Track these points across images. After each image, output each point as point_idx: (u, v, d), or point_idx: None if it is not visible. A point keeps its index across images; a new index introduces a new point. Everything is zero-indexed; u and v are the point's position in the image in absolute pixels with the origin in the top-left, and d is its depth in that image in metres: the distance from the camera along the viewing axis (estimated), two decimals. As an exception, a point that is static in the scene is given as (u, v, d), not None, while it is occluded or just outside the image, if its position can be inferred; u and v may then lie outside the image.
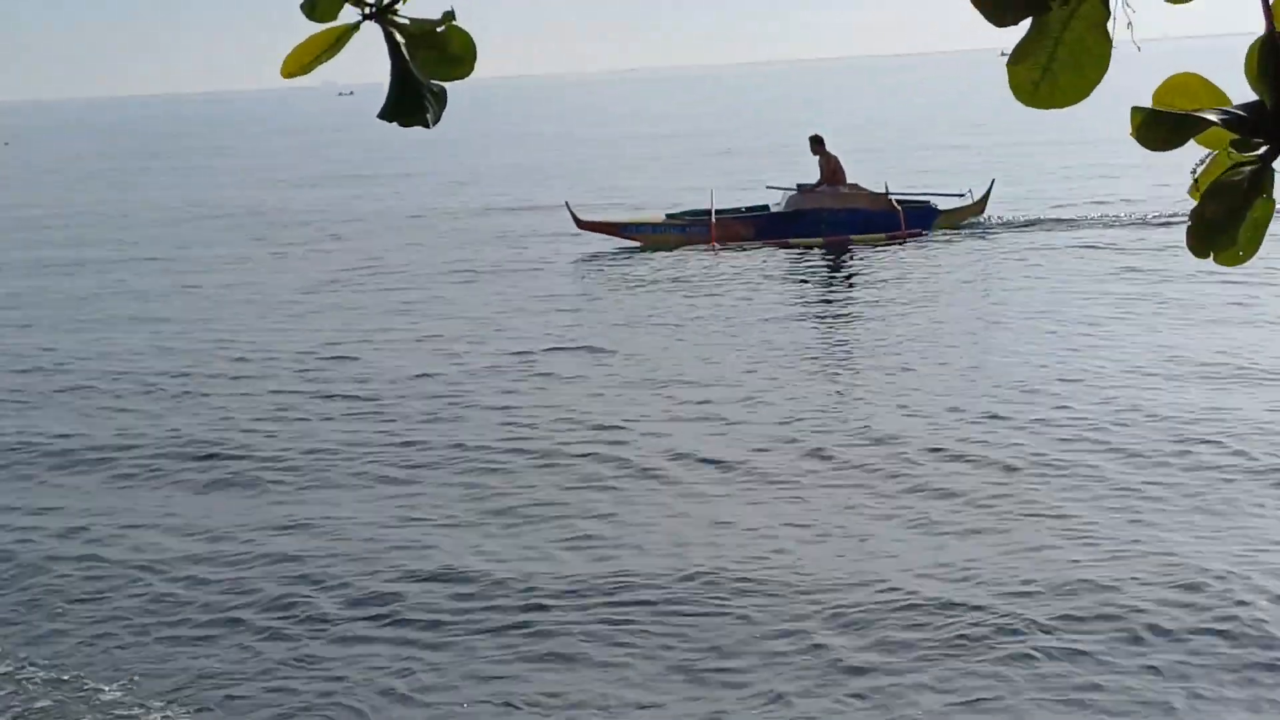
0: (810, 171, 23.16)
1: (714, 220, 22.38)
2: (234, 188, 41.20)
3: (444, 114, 1.92)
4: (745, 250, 21.89)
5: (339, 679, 7.16)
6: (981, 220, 23.29)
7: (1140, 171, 30.90)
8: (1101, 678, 6.75)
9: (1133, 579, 7.76)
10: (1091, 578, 7.81)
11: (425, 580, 8.31)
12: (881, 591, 7.76)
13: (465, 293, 19.55)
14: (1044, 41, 1.46)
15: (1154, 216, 23.00)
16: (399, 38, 1.85)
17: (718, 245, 22.05)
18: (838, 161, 22.77)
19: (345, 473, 10.65)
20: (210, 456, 11.17)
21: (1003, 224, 23.19)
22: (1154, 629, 7.20)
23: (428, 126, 1.92)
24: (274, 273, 22.23)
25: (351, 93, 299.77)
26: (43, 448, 11.76)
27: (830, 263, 20.86)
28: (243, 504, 10.09)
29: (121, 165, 58.60)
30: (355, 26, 1.84)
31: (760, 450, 10.76)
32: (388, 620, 7.80)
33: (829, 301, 17.92)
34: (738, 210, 23.29)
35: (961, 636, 7.15)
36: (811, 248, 21.81)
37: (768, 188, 24.35)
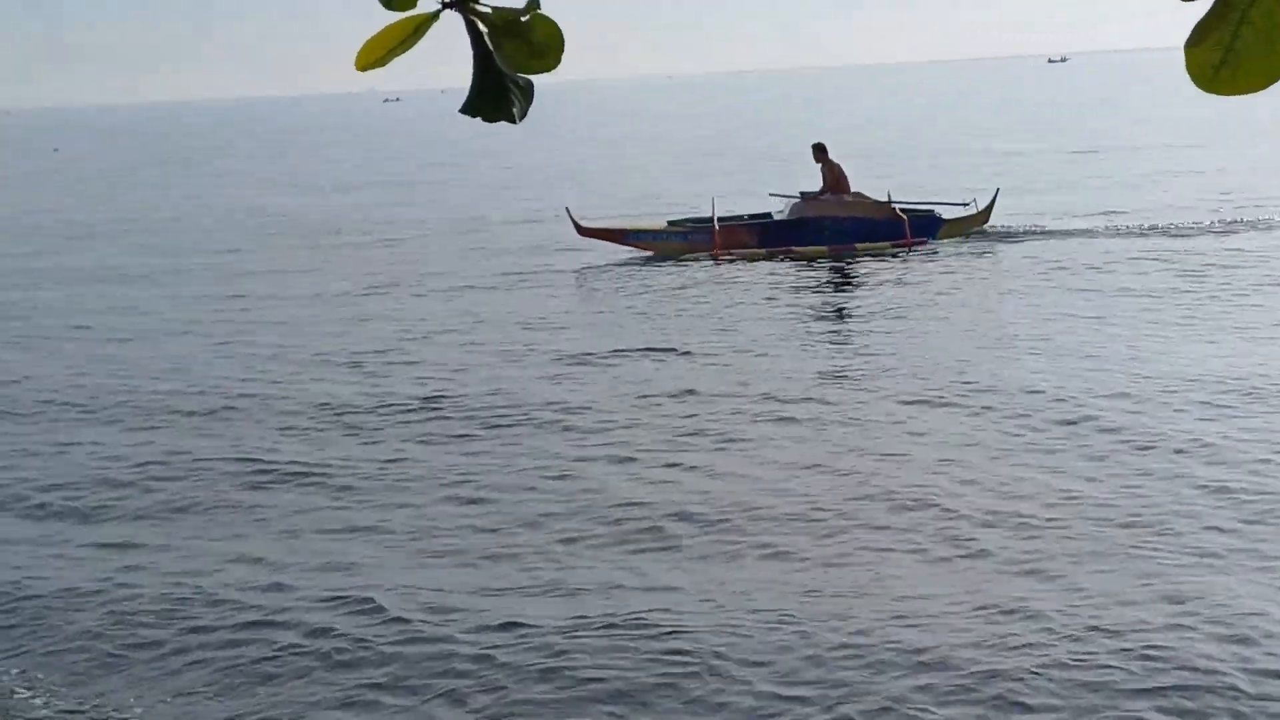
0: (813, 179, 23.06)
1: (717, 228, 22.22)
2: (268, 194, 41.45)
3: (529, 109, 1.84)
4: (749, 259, 21.75)
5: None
6: (986, 230, 23.09)
7: (1147, 181, 31.36)
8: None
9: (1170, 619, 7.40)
10: (1142, 617, 7.40)
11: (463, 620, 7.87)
12: (919, 630, 7.40)
13: (464, 305, 19.14)
14: (1228, 19, 1.34)
15: (1163, 227, 22.81)
16: (481, 27, 1.79)
17: (721, 253, 21.90)
18: (841, 170, 22.66)
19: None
20: (263, 473, 10.96)
21: (1007, 234, 22.96)
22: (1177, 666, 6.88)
23: (514, 121, 1.86)
24: (311, 280, 21.92)
25: (398, 99, 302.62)
26: (109, 457, 11.55)
27: (836, 272, 20.65)
28: (304, 520, 9.87)
29: (162, 170, 59.05)
30: (435, 16, 1.79)
31: (773, 470, 10.51)
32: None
33: (835, 314, 17.61)
34: (739, 218, 23.10)
35: (994, 673, 6.85)
36: (816, 256, 21.61)
37: (770, 195, 24.10)
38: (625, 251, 22.62)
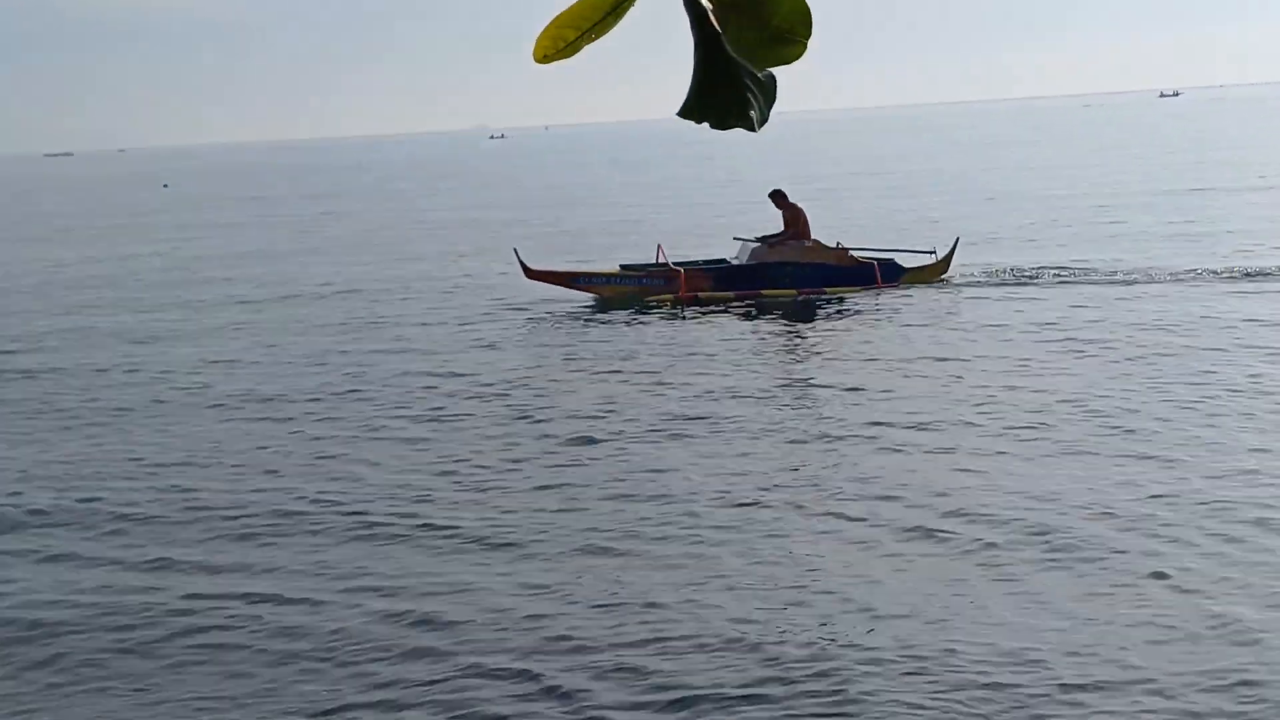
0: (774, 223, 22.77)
1: (682, 273, 21.62)
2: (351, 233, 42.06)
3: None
4: (713, 303, 21.23)
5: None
6: (946, 279, 22.58)
7: (1106, 229, 30.38)
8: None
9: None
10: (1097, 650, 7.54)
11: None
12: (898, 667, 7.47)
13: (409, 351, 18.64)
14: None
15: (1120, 275, 22.27)
16: (706, 4, 1.36)
17: (686, 297, 21.37)
18: (803, 215, 22.22)
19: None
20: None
21: (969, 283, 22.32)
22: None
23: (751, 128, 1.40)
24: (356, 342, 20.23)
25: (503, 136, 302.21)
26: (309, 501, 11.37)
27: (806, 317, 20.11)
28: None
29: (266, 208, 60.58)
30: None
31: (755, 504, 10.55)
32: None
33: (808, 359, 16.97)
34: (695, 263, 22.52)
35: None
36: (785, 300, 21.16)
37: (735, 239, 23.56)
38: (574, 296, 22.11)
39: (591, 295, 22.05)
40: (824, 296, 21.39)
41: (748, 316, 20.37)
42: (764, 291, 21.43)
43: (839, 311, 20.36)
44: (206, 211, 58.93)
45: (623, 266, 22.82)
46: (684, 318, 20.39)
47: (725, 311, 20.80)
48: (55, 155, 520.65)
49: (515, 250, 22.93)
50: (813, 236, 22.25)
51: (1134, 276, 22.08)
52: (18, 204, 78.69)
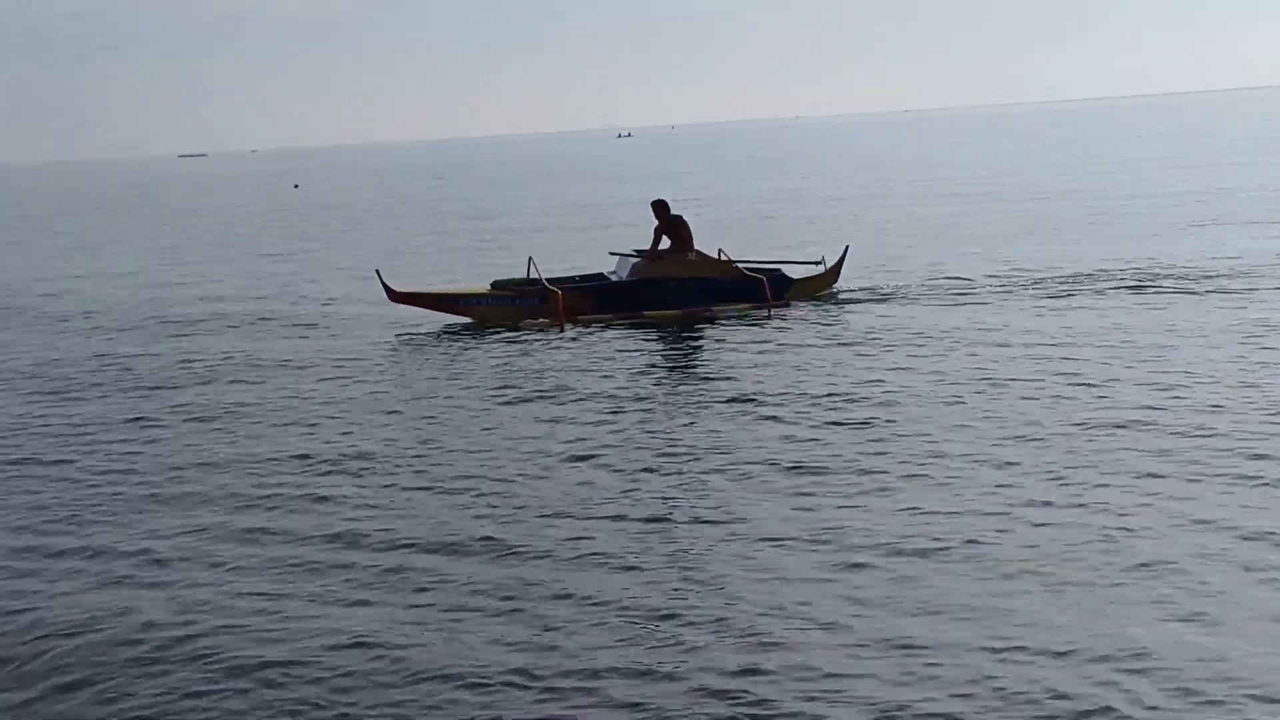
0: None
1: (560, 293, 20.22)
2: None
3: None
4: (594, 326, 19.90)
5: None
6: (835, 290, 21.46)
7: (1008, 236, 29.96)
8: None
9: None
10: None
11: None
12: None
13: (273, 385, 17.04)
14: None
15: (1026, 284, 21.62)
16: None
17: (566, 320, 20.07)
18: (686, 226, 20.98)
19: None
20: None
21: (862, 294, 21.27)
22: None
23: None
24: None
25: (630, 135, 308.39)
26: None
27: (693, 337, 18.82)
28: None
29: (388, 206, 61.43)
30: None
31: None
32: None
33: (694, 383, 15.60)
34: (570, 279, 21.31)
35: None
36: (671, 320, 19.99)
37: (611, 253, 22.53)
38: (439, 318, 20.95)
39: (462, 317, 20.86)
40: (710, 315, 20.18)
41: (630, 338, 18.91)
42: (647, 313, 20.24)
43: (726, 330, 19.11)
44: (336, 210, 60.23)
45: (494, 284, 21.29)
46: (562, 340, 18.99)
47: (607, 329, 19.58)
48: (190, 156, 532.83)
49: (377, 272, 21.61)
50: (695, 248, 21.00)
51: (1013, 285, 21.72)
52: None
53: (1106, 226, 31.25)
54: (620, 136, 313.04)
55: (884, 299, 20.84)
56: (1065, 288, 21.04)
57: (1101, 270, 22.57)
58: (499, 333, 19.71)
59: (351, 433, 13.72)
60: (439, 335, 19.94)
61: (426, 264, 31.47)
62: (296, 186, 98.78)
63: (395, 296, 20.86)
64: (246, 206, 70.72)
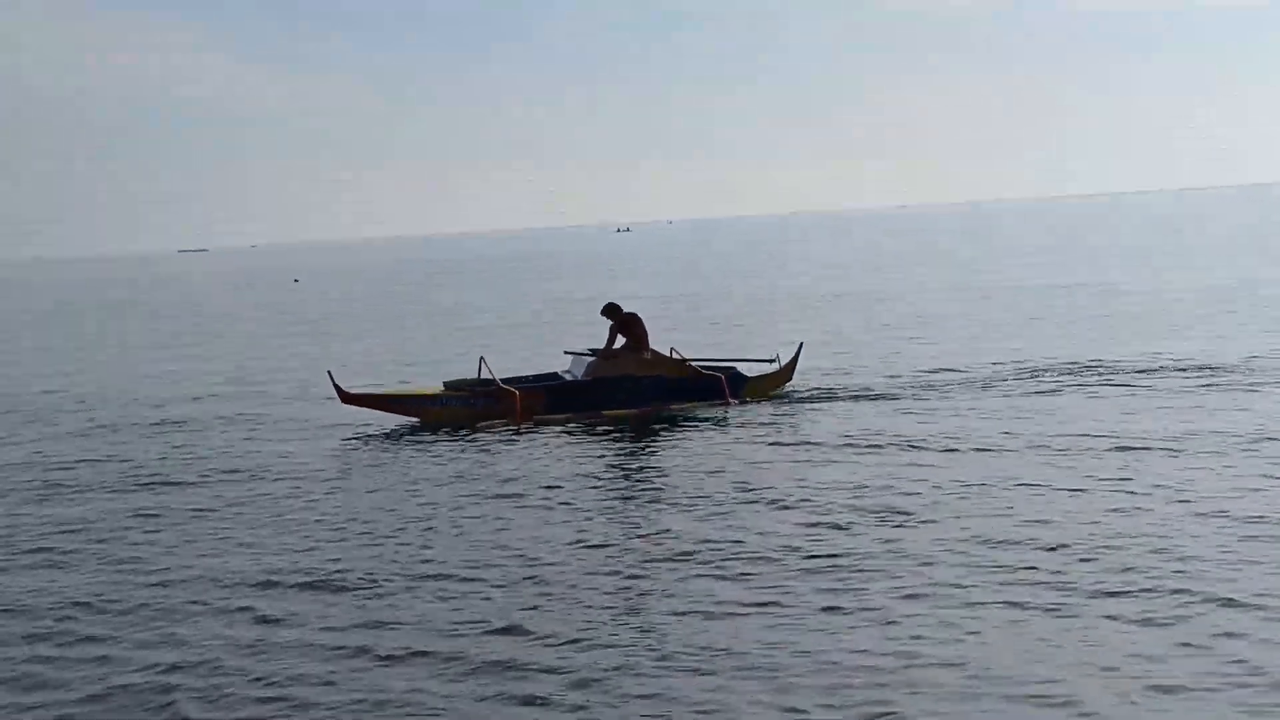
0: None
1: (518, 393, 20.04)
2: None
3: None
4: (551, 426, 19.62)
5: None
6: (790, 390, 21.35)
7: (959, 330, 30.52)
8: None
9: None
10: None
11: None
12: None
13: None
14: None
15: (977, 381, 21.67)
16: None
17: (524, 420, 19.85)
18: (641, 323, 20.85)
19: None
20: None
21: (815, 393, 21.11)
22: None
23: None
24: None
25: (628, 229, 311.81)
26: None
27: (652, 438, 18.46)
28: None
29: (386, 307, 60.63)
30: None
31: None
32: None
33: (651, 482, 15.35)
34: (524, 378, 21.06)
35: None
36: (631, 419, 19.73)
37: (566, 352, 22.30)
38: (391, 420, 20.59)
39: (416, 419, 20.50)
40: (669, 413, 19.97)
41: (589, 438, 18.66)
42: (605, 412, 20.03)
43: (685, 429, 18.91)
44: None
45: (446, 385, 20.96)
46: (519, 440, 18.66)
47: (565, 429, 19.32)
48: (189, 251, 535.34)
49: (329, 373, 21.38)
50: (651, 347, 20.87)
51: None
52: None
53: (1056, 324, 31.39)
54: (619, 231, 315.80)
55: (837, 398, 20.64)
56: (1021, 384, 21.23)
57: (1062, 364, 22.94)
58: (455, 434, 19.31)
59: (306, 541, 13.28)
60: (393, 437, 19.54)
61: (413, 359, 31.42)
62: (296, 281, 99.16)
63: (346, 398, 20.54)
64: (247, 298, 71.69)
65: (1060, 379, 21.37)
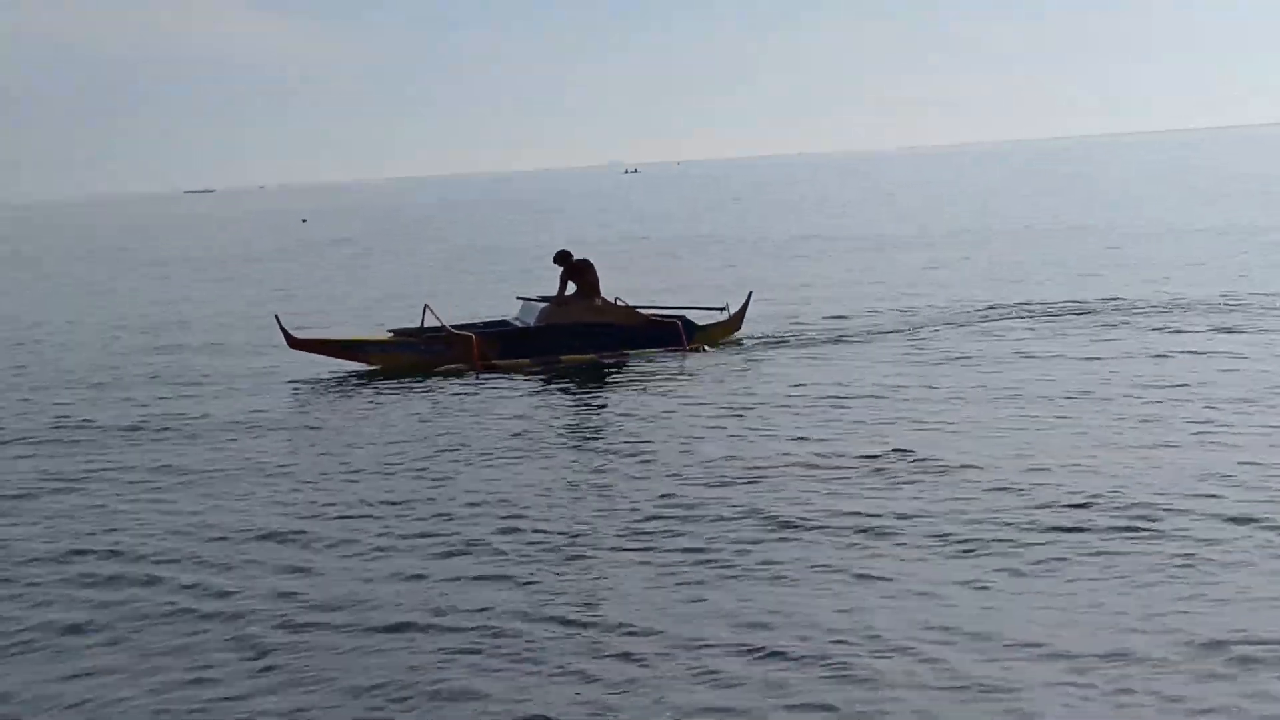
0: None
1: (475, 337, 19.88)
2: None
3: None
4: (515, 370, 19.57)
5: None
6: (739, 338, 21.22)
7: (914, 275, 30.63)
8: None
9: None
10: None
11: None
12: None
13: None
14: None
15: (926, 325, 21.96)
16: None
17: (481, 365, 19.70)
18: (592, 270, 20.70)
19: None
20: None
21: (766, 341, 21.07)
22: None
23: None
24: None
25: (636, 170, 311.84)
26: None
27: (611, 383, 18.45)
28: None
29: (391, 245, 61.22)
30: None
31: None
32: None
33: (613, 427, 15.36)
34: (474, 326, 20.77)
35: None
36: (586, 363, 19.74)
37: (518, 298, 22.16)
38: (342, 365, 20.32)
39: (366, 365, 20.21)
40: (627, 359, 19.95)
41: (550, 383, 18.63)
42: (563, 357, 19.91)
43: (644, 372, 18.91)
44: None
45: (393, 332, 20.80)
46: (480, 385, 18.52)
47: (526, 375, 19.21)
48: (196, 192, 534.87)
49: (276, 317, 21.08)
50: (601, 294, 20.73)
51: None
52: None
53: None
54: (627, 172, 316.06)
55: (786, 344, 20.72)
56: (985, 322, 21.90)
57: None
58: (414, 380, 19.09)
59: (279, 494, 12.94)
60: (347, 384, 19.31)
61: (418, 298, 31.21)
62: (305, 221, 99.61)
63: (294, 343, 20.26)
64: (257, 242, 71.50)
65: (1064, 320, 21.65)
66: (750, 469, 12.65)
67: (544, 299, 20.89)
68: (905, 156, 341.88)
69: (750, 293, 22.31)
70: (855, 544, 10.16)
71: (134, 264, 56.96)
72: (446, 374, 19.42)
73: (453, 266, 43.30)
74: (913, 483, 11.78)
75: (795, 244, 44.97)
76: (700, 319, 21.28)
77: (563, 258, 20.80)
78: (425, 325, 20.43)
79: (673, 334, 20.46)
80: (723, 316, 21.46)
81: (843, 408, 15.45)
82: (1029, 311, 22.76)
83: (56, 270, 55.86)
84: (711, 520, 10.98)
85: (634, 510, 11.45)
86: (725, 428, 14.70)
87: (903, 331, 21.31)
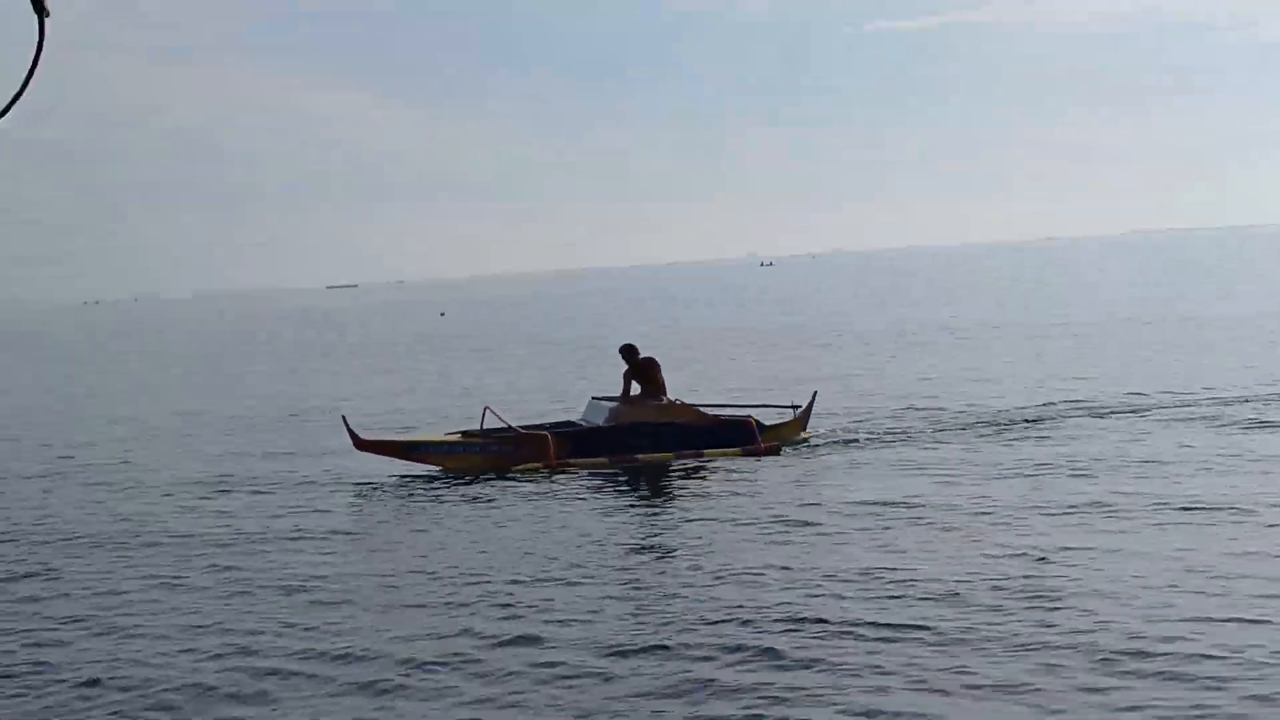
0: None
1: (550, 436, 19.63)
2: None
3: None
4: (582, 470, 19.19)
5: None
6: (806, 437, 20.87)
7: (968, 377, 29.59)
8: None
9: None
10: None
11: None
12: None
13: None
14: None
15: (985, 422, 21.68)
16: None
17: (557, 464, 19.34)
18: (657, 368, 20.45)
19: None
20: None
21: (832, 441, 20.65)
22: None
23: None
24: None
25: (771, 264, 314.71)
26: None
27: (681, 482, 18.28)
28: None
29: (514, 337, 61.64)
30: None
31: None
32: None
33: (695, 525, 15.13)
34: (540, 427, 20.51)
35: None
36: (662, 462, 19.36)
37: (593, 399, 21.35)
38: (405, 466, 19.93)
39: (434, 467, 19.89)
40: (703, 458, 19.60)
41: (619, 481, 18.39)
42: (639, 456, 19.54)
43: (721, 472, 18.63)
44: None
45: (464, 433, 20.52)
46: (554, 484, 18.24)
47: (597, 473, 18.93)
48: (338, 287, 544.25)
49: (344, 418, 20.46)
50: (667, 394, 20.49)
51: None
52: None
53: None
54: (763, 265, 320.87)
55: (853, 444, 20.41)
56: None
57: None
58: (489, 479, 18.85)
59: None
60: (417, 484, 19.03)
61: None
62: (443, 314, 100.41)
63: (361, 444, 19.92)
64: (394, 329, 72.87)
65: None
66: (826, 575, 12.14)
67: (611, 399, 20.66)
68: (1040, 246, 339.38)
69: (815, 392, 22.04)
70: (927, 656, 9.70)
71: (278, 354, 59.03)
72: (521, 472, 19.13)
73: (573, 359, 43.64)
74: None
75: (903, 335, 44.75)
76: (768, 418, 21.00)
77: (630, 352, 20.58)
78: (484, 427, 20.29)
79: (747, 433, 20.04)
80: (790, 416, 21.22)
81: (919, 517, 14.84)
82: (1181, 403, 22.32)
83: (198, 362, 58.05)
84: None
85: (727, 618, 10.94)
86: (794, 535, 14.19)
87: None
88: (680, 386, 21.49)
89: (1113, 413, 21.83)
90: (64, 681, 10.22)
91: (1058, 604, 10.78)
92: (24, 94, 3.76)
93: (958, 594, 11.29)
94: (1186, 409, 21.57)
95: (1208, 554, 12.15)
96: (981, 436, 20.18)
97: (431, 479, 19.24)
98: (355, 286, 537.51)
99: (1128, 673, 9.00)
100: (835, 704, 8.74)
